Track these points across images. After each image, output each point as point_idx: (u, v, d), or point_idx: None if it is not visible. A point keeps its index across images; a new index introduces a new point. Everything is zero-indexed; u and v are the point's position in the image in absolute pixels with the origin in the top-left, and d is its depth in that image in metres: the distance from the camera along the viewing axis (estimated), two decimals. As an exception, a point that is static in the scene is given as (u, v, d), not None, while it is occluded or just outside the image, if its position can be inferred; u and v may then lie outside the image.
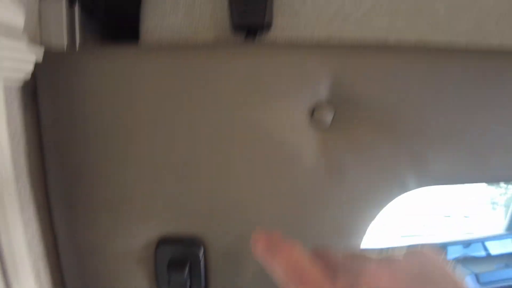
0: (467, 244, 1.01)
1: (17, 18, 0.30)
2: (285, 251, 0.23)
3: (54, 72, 0.33)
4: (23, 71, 0.30)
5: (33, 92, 0.34)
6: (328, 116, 0.32)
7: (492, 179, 0.35)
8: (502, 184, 1.15)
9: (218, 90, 0.31)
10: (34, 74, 0.33)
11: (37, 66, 0.33)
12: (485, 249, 1.01)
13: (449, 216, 1.18)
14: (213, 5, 0.37)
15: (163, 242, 0.34)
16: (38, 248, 0.34)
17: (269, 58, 0.31)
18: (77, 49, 0.39)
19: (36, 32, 0.36)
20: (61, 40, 0.37)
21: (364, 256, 0.22)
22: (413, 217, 1.19)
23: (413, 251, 0.22)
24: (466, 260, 0.98)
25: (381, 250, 0.23)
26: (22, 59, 0.30)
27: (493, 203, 1.18)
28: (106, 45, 0.34)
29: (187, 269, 0.33)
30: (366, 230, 0.35)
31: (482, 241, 1.02)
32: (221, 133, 0.32)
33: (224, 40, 0.37)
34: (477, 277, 0.93)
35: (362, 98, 0.32)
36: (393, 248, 0.23)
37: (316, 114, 0.32)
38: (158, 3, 0.38)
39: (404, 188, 0.34)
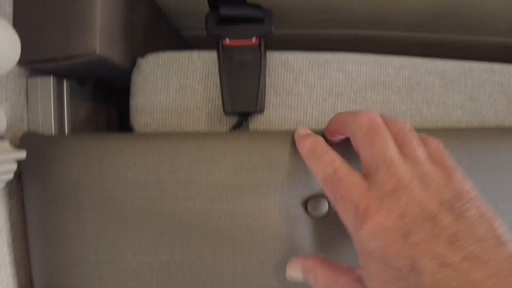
0: None
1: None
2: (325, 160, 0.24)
3: (40, 157, 0.32)
4: (7, 173, 0.29)
5: (18, 176, 0.33)
6: (323, 207, 0.31)
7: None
8: None
9: (208, 180, 0.30)
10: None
11: (22, 148, 0.32)
12: None
13: None
14: (204, 84, 0.37)
15: None
16: None
17: (261, 148, 0.30)
18: (66, 132, 0.38)
19: (22, 114, 0.35)
20: (49, 122, 0.36)
21: None
22: None
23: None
24: None
25: None
26: (6, 161, 0.28)
27: None
28: (94, 131, 0.33)
29: None
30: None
31: None
32: (211, 223, 0.31)
33: (216, 119, 0.36)
34: None
35: None
36: None
37: (310, 204, 0.31)
38: (148, 81, 0.37)
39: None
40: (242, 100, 0.33)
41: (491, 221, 0.19)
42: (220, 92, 0.35)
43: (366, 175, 0.23)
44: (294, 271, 0.28)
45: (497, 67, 0.39)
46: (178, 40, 0.63)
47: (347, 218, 0.22)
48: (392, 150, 0.22)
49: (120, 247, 0.31)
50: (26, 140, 0.33)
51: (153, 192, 0.31)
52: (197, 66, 0.37)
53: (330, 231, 0.31)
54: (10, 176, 0.30)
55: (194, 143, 0.30)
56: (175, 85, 0.37)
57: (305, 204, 0.31)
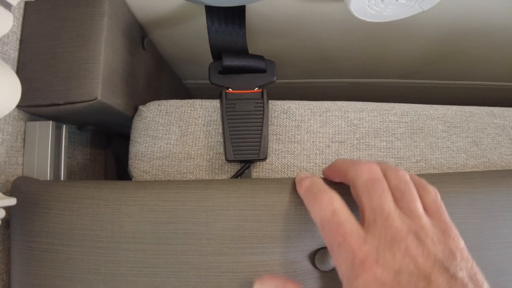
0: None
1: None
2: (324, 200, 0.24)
3: (32, 202, 0.30)
4: (-5, 222, 0.27)
5: (6, 223, 0.31)
6: (330, 259, 0.29)
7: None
8: None
9: (208, 233, 0.29)
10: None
11: (14, 192, 0.31)
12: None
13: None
14: (205, 133, 0.36)
15: None
16: None
17: (265, 197, 0.29)
18: (62, 178, 0.37)
19: (17, 158, 0.34)
20: (45, 167, 0.35)
21: None
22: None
23: None
24: None
25: None
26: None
27: None
28: (91, 177, 0.32)
29: None
30: None
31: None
32: (211, 279, 0.29)
33: (217, 166, 0.35)
34: None
35: None
36: None
37: (318, 257, 0.29)
38: (149, 128, 0.37)
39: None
40: (244, 148, 0.32)
41: (480, 285, 0.20)
42: (222, 139, 0.34)
43: (363, 224, 0.23)
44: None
45: (497, 110, 0.39)
46: (180, 89, 0.64)
47: (342, 266, 0.22)
48: (389, 202, 0.23)
49: None
50: (19, 184, 0.32)
51: (150, 244, 0.29)
52: (199, 114, 0.37)
53: (338, 283, 0.29)
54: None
55: (194, 192, 0.29)
56: (177, 132, 0.37)
57: (313, 257, 0.29)
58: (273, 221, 0.29)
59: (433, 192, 0.25)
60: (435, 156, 0.37)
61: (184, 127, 0.37)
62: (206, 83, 0.35)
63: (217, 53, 0.37)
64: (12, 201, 0.28)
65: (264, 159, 0.33)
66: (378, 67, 0.58)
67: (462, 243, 0.22)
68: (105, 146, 0.52)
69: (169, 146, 0.36)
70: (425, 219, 0.22)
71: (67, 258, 0.29)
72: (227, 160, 0.33)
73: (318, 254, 0.29)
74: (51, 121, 0.35)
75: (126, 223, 0.29)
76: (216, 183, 0.30)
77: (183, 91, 0.65)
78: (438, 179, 0.33)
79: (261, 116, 0.33)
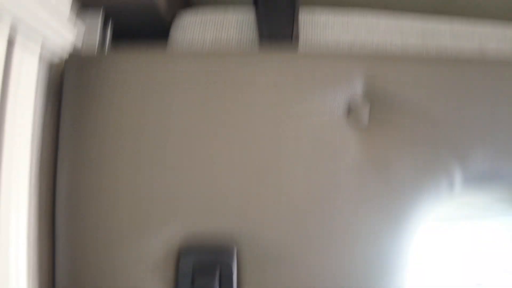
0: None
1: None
2: None
3: (81, 74, 0.33)
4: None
5: (56, 93, 0.33)
6: (364, 115, 0.32)
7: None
8: None
9: (251, 94, 0.31)
10: (60, 75, 0.32)
11: (64, 66, 0.33)
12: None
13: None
14: (240, 29, 0.39)
15: (188, 245, 0.30)
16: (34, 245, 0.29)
17: (301, 61, 0.32)
18: (106, 53, 0.39)
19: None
20: (93, 44, 0.37)
21: None
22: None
23: None
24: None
25: None
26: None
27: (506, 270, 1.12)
28: (134, 49, 0.34)
29: (216, 276, 0.28)
30: (417, 227, 0.32)
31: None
32: (256, 133, 0.31)
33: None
34: None
35: (398, 98, 0.32)
36: None
37: (352, 113, 0.32)
38: (186, 25, 0.40)
39: (451, 188, 0.32)
40: (278, 25, 0.35)
41: None
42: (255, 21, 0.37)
43: None
44: None
45: None
46: None
47: None
48: None
49: (159, 167, 0.30)
50: (71, 61, 0.34)
51: (198, 113, 0.31)
52: (231, 20, 0.40)
53: (375, 134, 0.32)
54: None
55: (235, 60, 0.32)
56: (211, 38, 0.39)
57: (348, 108, 0.32)
58: (310, 81, 0.32)
59: None
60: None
61: (217, 33, 0.39)
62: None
63: None
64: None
65: (297, 39, 0.36)
66: None
67: None
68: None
69: (205, 41, 0.39)
70: None
71: (110, 119, 0.31)
72: (261, 36, 0.36)
73: (352, 109, 0.32)
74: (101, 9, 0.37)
75: (170, 90, 0.32)
76: (255, 53, 0.33)
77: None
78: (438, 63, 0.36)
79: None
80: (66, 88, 0.32)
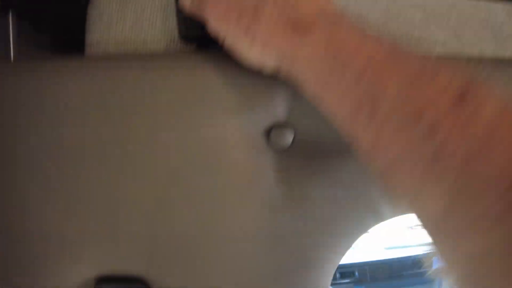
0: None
1: None
2: None
3: None
4: None
5: None
6: (286, 136, 0.28)
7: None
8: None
9: (155, 103, 0.27)
10: None
11: None
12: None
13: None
14: (162, 15, 0.33)
15: (101, 283, 0.29)
16: None
17: (216, 65, 0.27)
18: (11, 59, 0.35)
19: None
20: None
21: None
22: (397, 228, 1.16)
23: None
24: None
25: None
26: None
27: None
28: (44, 56, 0.29)
29: None
30: (335, 264, 0.31)
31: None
32: (159, 153, 0.28)
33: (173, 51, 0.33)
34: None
35: (325, 123, 0.28)
36: None
37: (273, 133, 0.28)
38: (103, 14, 0.34)
39: (378, 218, 0.30)
40: (198, 24, 0.30)
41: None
42: (176, 19, 0.31)
43: None
44: None
45: (482, 3, 0.36)
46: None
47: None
48: None
49: (56, 179, 0.27)
50: None
51: (95, 120, 0.27)
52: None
53: (296, 163, 0.28)
54: None
55: (139, 64, 0.27)
56: (132, 17, 0.34)
57: (268, 133, 0.28)
58: (224, 91, 0.27)
59: None
60: (410, 47, 0.35)
61: (139, 12, 0.34)
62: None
63: None
64: None
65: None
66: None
67: None
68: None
69: (123, 32, 0.34)
70: None
71: (14, 135, 0.28)
72: (180, 36, 0.30)
73: (274, 130, 0.28)
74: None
75: (71, 98, 0.27)
76: (164, 55, 0.28)
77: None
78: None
79: None
80: None
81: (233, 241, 0.29)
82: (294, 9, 0.23)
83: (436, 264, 0.22)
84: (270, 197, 0.29)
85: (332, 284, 0.31)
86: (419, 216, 0.19)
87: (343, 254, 0.30)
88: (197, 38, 0.31)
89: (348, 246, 0.30)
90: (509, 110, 0.17)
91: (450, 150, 0.17)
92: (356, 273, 1.33)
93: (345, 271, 1.33)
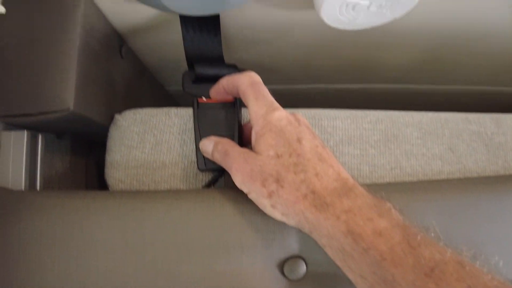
0: None
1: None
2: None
3: (3, 212, 0.30)
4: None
5: None
6: (299, 268, 0.29)
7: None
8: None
9: (176, 241, 0.29)
10: None
11: None
12: None
13: None
14: (180, 139, 0.36)
15: None
16: None
17: (233, 206, 0.29)
18: (38, 188, 0.37)
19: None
20: (19, 177, 0.35)
21: None
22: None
23: None
24: None
25: None
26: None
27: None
28: (67, 188, 0.31)
29: None
30: None
31: None
32: (183, 284, 0.29)
33: (192, 175, 0.35)
34: None
35: None
36: None
37: (287, 265, 0.29)
38: (124, 137, 0.37)
39: None
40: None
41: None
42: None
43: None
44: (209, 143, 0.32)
45: (472, 117, 0.40)
46: (163, 95, 0.64)
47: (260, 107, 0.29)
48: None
49: None
50: None
51: (118, 253, 0.29)
52: (174, 122, 0.37)
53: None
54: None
55: (162, 202, 0.29)
56: (152, 140, 0.37)
57: (282, 266, 0.29)
58: (240, 230, 0.29)
59: None
60: (410, 163, 0.37)
61: (159, 136, 0.37)
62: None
63: (193, 61, 0.37)
64: None
65: None
66: (361, 73, 0.58)
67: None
68: (86, 154, 0.52)
69: (143, 155, 0.36)
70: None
71: (39, 266, 0.29)
72: (199, 169, 0.33)
73: (288, 263, 0.29)
74: (25, 130, 0.35)
75: (96, 231, 0.29)
76: (185, 193, 0.30)
77: (167, 97, 0.65)
78: (413, 186, 0.33)
79: (234, 124, 0.33)
80: None
81: None
82: (311, 182, 0.25)
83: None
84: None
85: None
86: None
87: None
88: (215, 169, 0.33)
89: None
90: None
91: None
92: None
93: None
